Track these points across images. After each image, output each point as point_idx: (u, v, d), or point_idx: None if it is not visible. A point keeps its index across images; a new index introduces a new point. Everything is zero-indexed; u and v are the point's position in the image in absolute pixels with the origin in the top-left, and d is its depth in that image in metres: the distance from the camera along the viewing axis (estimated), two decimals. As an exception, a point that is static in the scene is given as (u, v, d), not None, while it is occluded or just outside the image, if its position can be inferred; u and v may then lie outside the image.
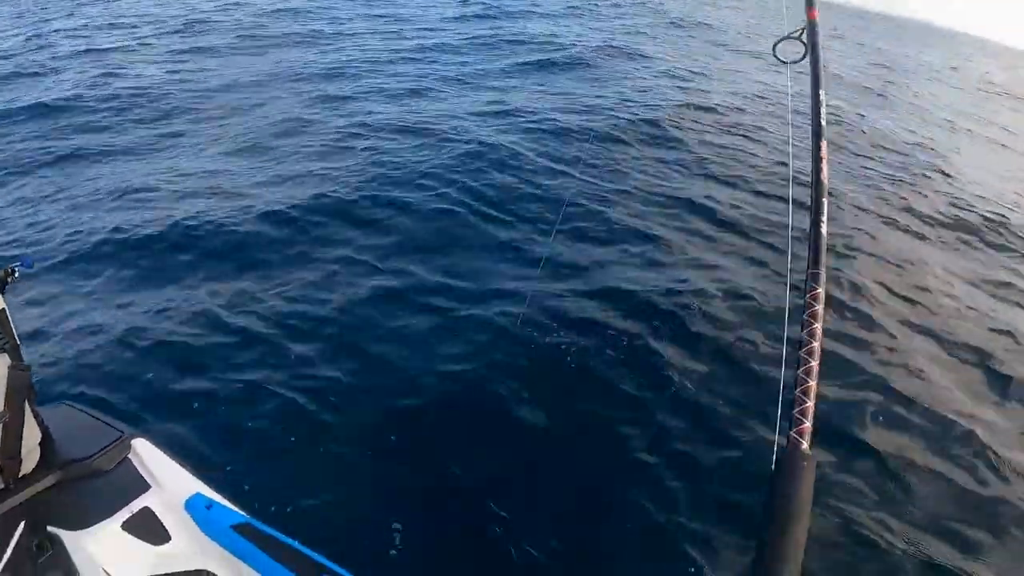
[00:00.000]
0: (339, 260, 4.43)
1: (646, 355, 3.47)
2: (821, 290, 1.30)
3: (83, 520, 1.36)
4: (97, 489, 1.44)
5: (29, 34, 11.20)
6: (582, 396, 3.25)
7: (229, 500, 1.44)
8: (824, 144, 1.75)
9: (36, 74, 9.05)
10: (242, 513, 1.39)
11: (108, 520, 1.36)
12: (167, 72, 9.10)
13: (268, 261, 4.44)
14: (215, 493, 1.46)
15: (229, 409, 3.11)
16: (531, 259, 4.37)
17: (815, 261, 1.39)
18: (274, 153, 6.31)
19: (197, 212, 4.96)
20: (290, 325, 3.74)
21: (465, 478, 2.80)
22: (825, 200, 1.56)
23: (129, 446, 1.55)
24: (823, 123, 1.83)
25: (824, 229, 1.48)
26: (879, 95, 13.16)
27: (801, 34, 2.22)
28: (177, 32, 11.56)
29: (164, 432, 2.81)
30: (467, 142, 6.41)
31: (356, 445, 2.97)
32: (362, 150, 6.29)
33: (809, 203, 1.58)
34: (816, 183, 1.63)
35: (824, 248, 1.41)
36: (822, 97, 1.94)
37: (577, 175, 5.71)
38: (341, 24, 12.85)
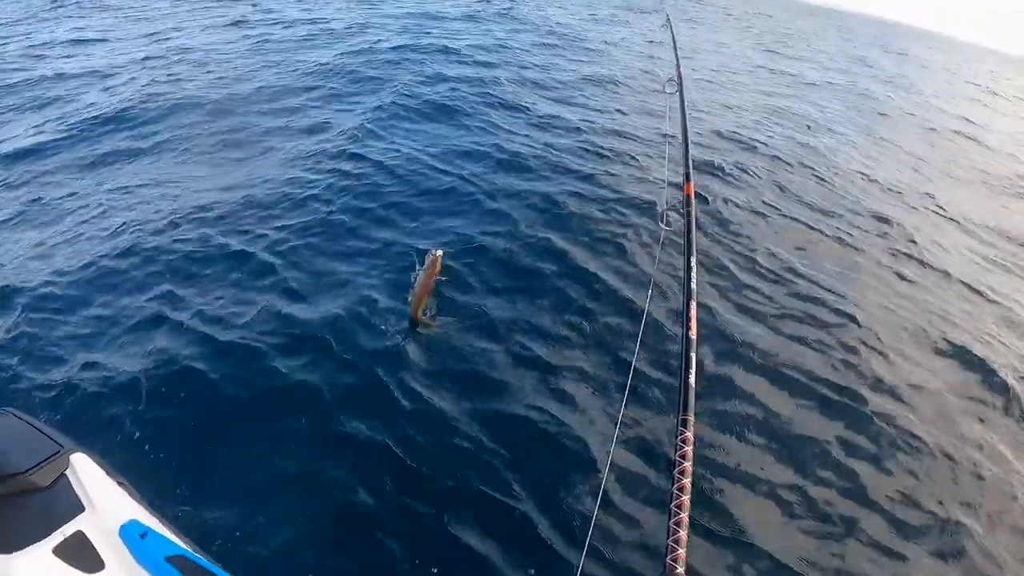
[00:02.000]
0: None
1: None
2: (690, 434, 1.62)
3: (13, 542, 1.29)
4: (30, 508, 1.38)
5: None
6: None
7: (168, 526, 1.41)
8: (694, 304, 2.17)
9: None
10: (178, 543, 1.38)
11: (40, 543, 1.30)
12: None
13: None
14: (153, 518, 1.42)
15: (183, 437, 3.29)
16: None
17: (684, 408, 1.72)
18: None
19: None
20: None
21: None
22: (694, 355, 1.93)
23: (67, 461, 1.48)
24: (693, 287, 2.28)
25: (692, 380, 1.84)
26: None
27: (680, 205, 2.76)
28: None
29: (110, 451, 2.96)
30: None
31: (309, 488, 3.11)
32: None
33: (680, 357, 1.95)
34: (685, 339, 2.02)
35: (693, 397, 1.75)
36: (693, 263, 2.42)
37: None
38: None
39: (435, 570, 2.82)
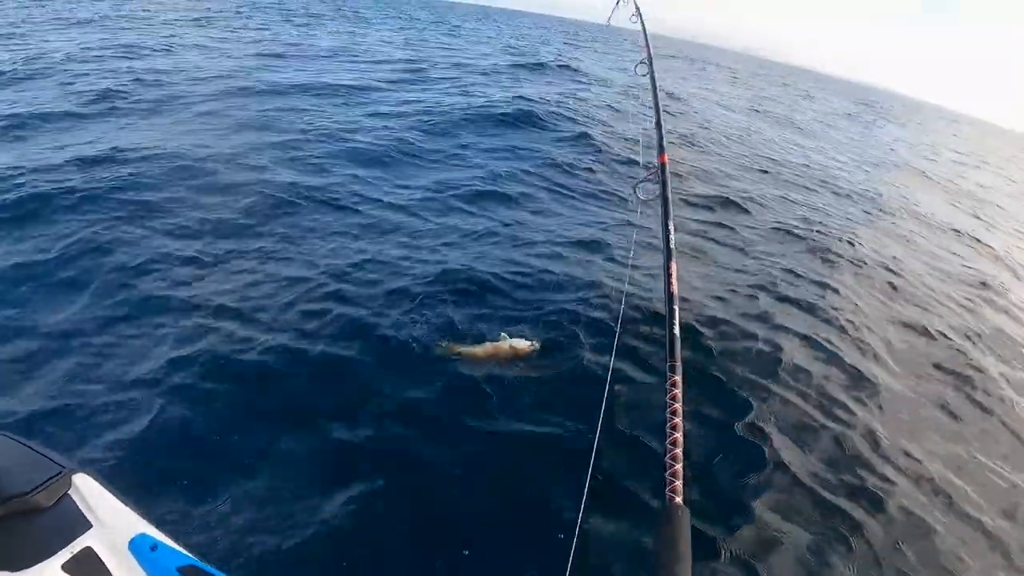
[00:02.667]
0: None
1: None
2: (678, 377, 1.63)
3: (21, 561, 1.25)
4: (36, 528, 1.33)
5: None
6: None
7: (174, 540, 1.39)
8: (674, 263, 2.19)
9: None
10: (187, 554, 1.35)
11: (48, 561, 1.26)
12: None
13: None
14: (160, 533, 1.39)
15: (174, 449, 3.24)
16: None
17: (672, 355, 1.74)
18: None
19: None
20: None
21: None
22: (676, 307, 1.95)
23: (70, 482, 1.43)
24: (672, 246, 2.30)
25: (677, 330, 1.85)
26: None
27: (655, 175, 2.78)
28: None
29: (109, 468, 2.97)
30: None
31: (309, 487, 3.09)
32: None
33: (665, 310, 1.96)
34: (668, 294, 2.04)
35: (678, 344, 1.77)
36: (671, 226, 2.44)
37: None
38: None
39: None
